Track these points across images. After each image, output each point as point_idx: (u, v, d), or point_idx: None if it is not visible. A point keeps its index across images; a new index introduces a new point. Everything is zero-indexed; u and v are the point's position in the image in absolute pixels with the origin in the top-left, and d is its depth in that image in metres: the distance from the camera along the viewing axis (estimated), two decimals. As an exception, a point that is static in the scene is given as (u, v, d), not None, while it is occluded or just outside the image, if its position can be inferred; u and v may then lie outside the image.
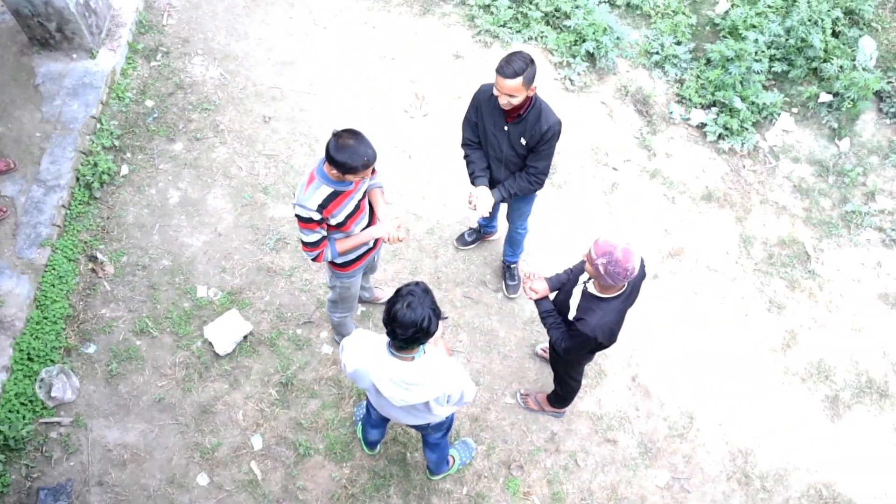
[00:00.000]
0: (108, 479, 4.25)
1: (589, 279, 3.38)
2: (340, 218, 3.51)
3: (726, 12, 6.07)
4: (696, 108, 5.76)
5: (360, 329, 3.30)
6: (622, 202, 5.36)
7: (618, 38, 5.88)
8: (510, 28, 5.93)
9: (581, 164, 5.47)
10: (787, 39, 5.80)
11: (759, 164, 5.65)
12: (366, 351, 3.08)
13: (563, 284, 3.68)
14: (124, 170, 5.15)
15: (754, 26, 5.83)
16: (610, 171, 5.47)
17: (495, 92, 3.62)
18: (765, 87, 5.83)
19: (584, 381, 4.37)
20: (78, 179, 4.96)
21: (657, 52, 5.93)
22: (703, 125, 5.69)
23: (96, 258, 4.82)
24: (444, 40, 5.90)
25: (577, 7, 5.92)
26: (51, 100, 5.16)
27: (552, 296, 3.74)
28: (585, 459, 4.51)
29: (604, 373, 4.75)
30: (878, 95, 5.84)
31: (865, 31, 5.99)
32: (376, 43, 5.83)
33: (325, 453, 4.39)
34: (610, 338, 3.40)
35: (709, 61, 5.88)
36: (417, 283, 2.88)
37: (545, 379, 4.69)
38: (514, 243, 4.73)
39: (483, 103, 3.85)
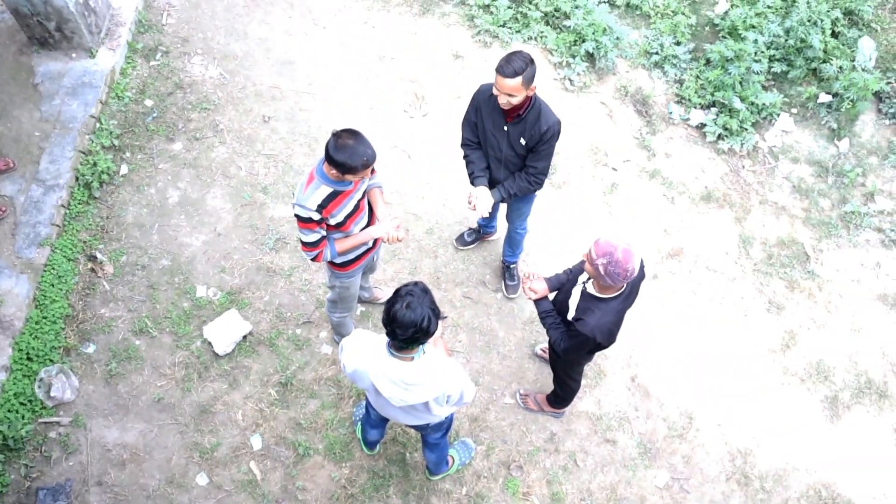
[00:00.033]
0: (108, 478, 4.24)
1: (588, 279, 3.38)
2: (340, 218, 3.50)
3: (726, 13, 6.07)
4: (695, 108, 5.76)
5: (359, 329, 3.30)
6: (621, 202, 5.36)
7: (617, 38, 5.89)
8: (510, 28, 5.93)
9: (580, 164, 5.47)
10: (786, 40, 5.81)
11: (759, 164, 5.65)
12: (365, 351, 3.08)
13: (562, 284, 3.68)
14: (123, 169, 5.14)
15: (754, 27, 5.83)
16: (609, 172, 5.47)
17: (495, 91, 3.62)
18: (764, 88, 5.83)
19: (583, 382, 4.37)
20: (77, 179, 4.96)
21: (657, 53, 5.93)
22: (703, 125, 5.69)
23: (95, 258, 4.82)
24: (443, 40, 5.90)
25: (576, 7, 5.92)
26: (50, 99, 5.16)
27: (551, 296, 3.74)
28: (585, 460, 4.51)
29: (603, 373, 4.75)
30: (878, 96, 5.85)
31: (865, 32, 5.99)
32: (376, 43, 5.83)
33: (325, 453, 4.39)
34: (609, 338, 3.40)
35: (708, 61, 5.88)
36: (417, 283, 2.88)
37: (544, 379, 4.69)
38: (513, 243, 4.73)
39: (483, 103, 3.85)
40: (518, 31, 5.93)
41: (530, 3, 5.99)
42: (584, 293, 3.40)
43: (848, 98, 5.62)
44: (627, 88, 5.80)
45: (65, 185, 4.87)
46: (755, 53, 5.71)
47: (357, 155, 3.21)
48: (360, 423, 4.33)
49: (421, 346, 2.97)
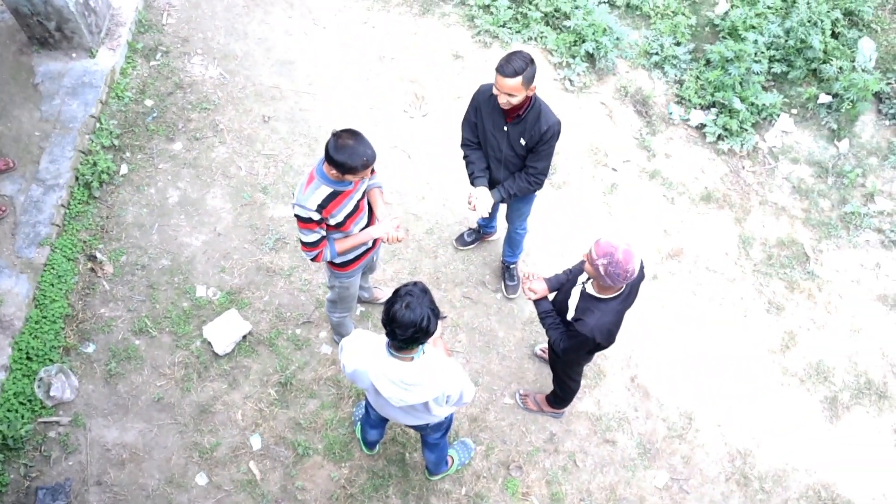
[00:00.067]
0: (107, 478, 4.24)
1: (588, 280, 3.38)
2: (340, 218, 3.51)
3: (726, 13, 6.07)
4: (695, 108, 5.76)
5: (359, 329, 3.30)
6: (621, 203, 5.36)
7: (617, 38, 5.89)
8: (510, 28, 5.93)
9: (580, 164, 5.47)
10: (786, 40, 5.81)
11: (759, 164, 5.65)
12: (365, 351, 3.08)
13: (562, 285, 3.68)
14: (123, 169, 5.14)
15: (754, 27, 5.84)
16: (609, 172, 5.48)
17: (495, 91, 3.62)
18: (764, 88, 5.83)
19: (583, 382, 4.37)
20: (77, 179, 4.96)
21: (657, 53, 5.93)
22: (703, 126, 5.69)
23: (95, 257, 4.82)
24: (443, 40, 5.90)
25: (576, 7, 5.92)
26: (50, 99, 5.16)
27: (551, 296, 3.74)
28: (584, 460, 4.51)
29: (603, 373, 4.75)
30: (878, 97, 5.85)
31: (865, 33, 5.99)
32: (376, 43, 5.83)
33: (324, 453, 4.39)
34: (608, 338, 3.40)
35: (708, 62, 5.88)
36: (416, 284, 2.88)
37: (544, 379, 4.69)
38: (513, 244, 4.73)
39: (482, 103, 3.85)
40: (518, 32, 5.93)
41: (530, 3, 5.99)
42: (583, 293, 3.40)
43: (848, 99, 5.62)
44: (627, 89, 5.80)
45: (65, 185, 4.87)
46: (755, 54, 5.71)
47: (357, 155, 3.22)
48: (359, 423, 4.33)
49: (420, 347, 2.97)
